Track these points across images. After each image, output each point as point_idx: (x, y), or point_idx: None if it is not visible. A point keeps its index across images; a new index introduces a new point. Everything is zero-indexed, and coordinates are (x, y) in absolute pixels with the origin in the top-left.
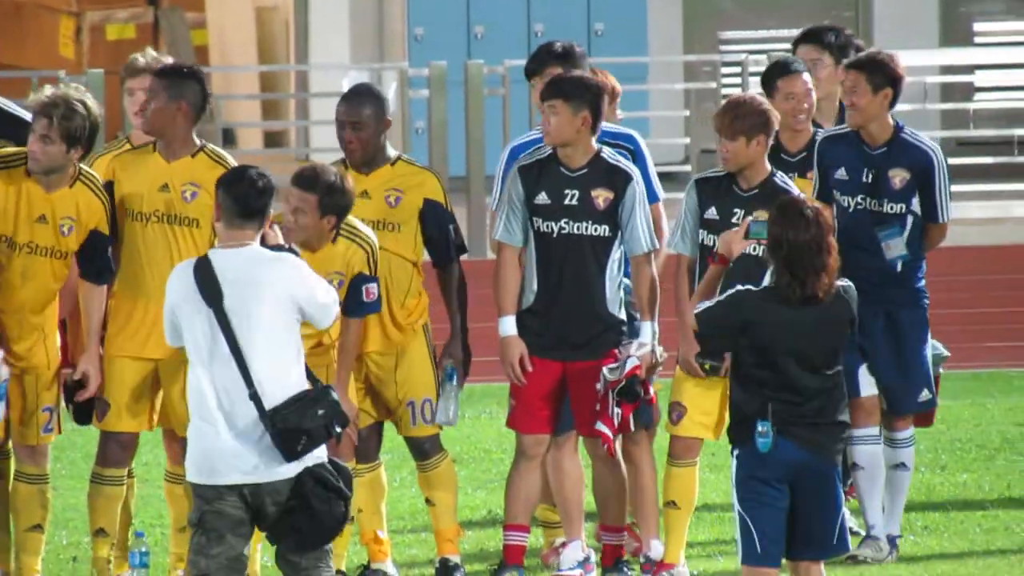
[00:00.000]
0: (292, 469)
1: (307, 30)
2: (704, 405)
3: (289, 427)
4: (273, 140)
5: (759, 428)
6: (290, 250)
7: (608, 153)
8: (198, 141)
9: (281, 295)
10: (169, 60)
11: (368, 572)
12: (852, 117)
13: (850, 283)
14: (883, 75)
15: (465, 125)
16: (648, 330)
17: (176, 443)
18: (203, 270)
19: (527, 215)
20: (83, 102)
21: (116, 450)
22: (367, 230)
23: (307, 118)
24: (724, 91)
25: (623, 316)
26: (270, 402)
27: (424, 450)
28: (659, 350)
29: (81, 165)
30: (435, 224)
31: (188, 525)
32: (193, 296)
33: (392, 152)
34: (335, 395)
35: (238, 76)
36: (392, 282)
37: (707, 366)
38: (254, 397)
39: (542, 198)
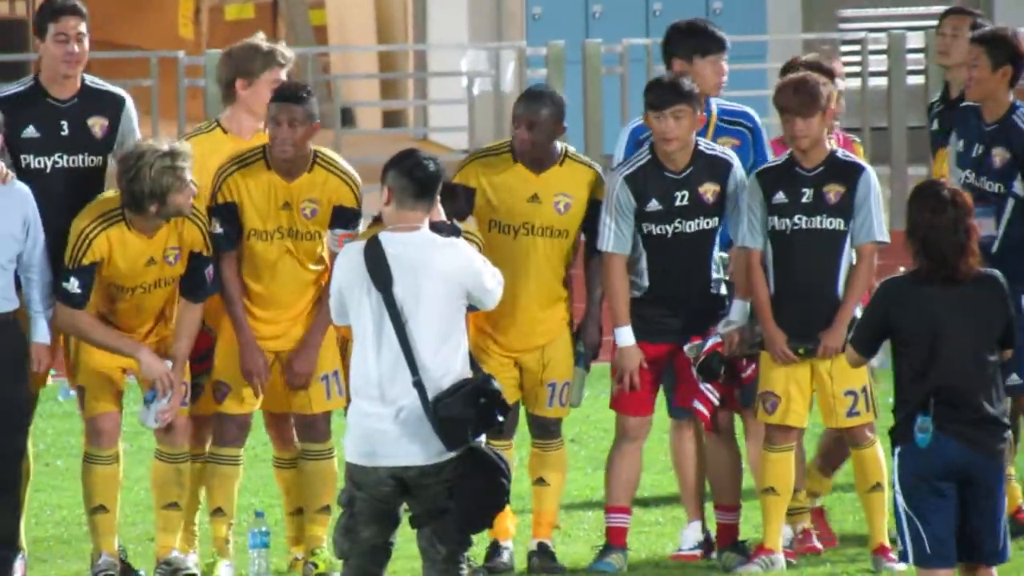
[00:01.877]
0: (453, 451)
1: (425, 9)
2: (795, 393)
3: (451, 416)
4: (391, 120)
5: (919, 422)
6: (453, 227)
7: (705, 144)
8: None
9: (451, 281)
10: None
11: (495, 549)
12: (970, 91)
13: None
14: (1004, 52)
15: (583, 105)
16: (739, 308)
17: (277, 428)
18: (373, 252)
19: (636, 222)
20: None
21: (233, 430)
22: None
23: (425, 97)
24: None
25: (723, 292)
26: (433, 389)
27: (550, 431)
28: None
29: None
30: (594, 218)
31: (339, 505)
32: (362, 278)
33: (559, 146)
34: (496, 384)
35: (357, 56)
36: (547, 281)
37: (801, 350)
38: (418, 384)
39: (653, 205)
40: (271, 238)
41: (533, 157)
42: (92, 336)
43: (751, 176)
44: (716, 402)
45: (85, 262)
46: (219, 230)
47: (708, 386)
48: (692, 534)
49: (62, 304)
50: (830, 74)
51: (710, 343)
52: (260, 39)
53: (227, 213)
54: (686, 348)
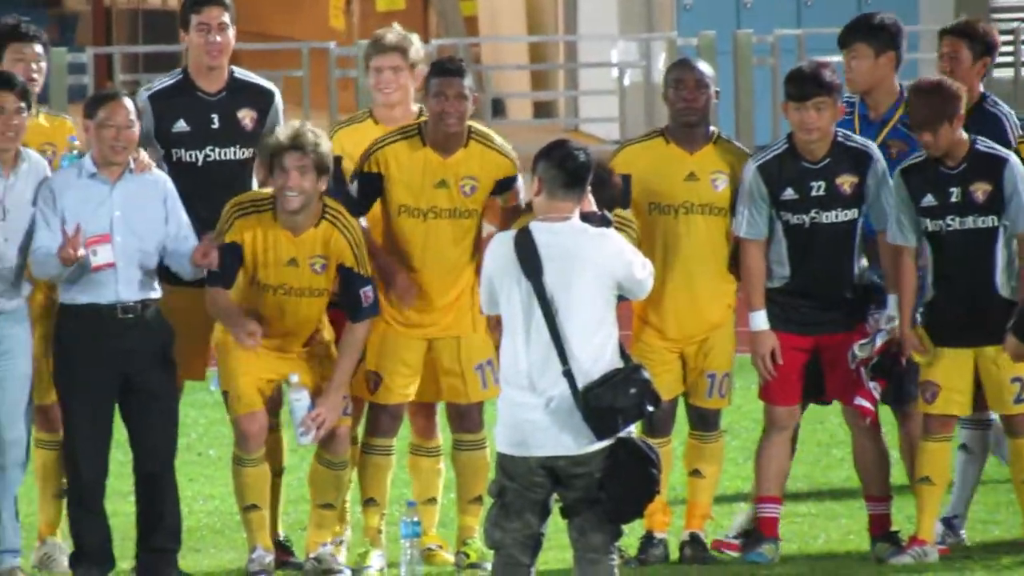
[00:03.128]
0: (604, 441)
1: (576, 0)
2: (957, 382)
3: (601, 406)
4: (542, 110)
5: None
6: (603, 218)
7: (842, 135)
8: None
9: (602, 271)
10: (414, 36)
11: (649, 541)
12: None
13: None
14: None
15: (734, 95)
16: (894, 303)
17: (420, 416)
18: (524, 242)
19: (775, 210)
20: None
21: (387, 421)
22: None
23: (576, 88)
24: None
25: (865, 283)
26: (583, 379)
27: (709, 422)
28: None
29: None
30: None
31: (489, 495)
32: (512, 268)
33: (712, 128)
34: (646, 373)
35: (507, 46)
36: (710, 261)
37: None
38: (568, 374)
39: (788, 194)
40: (424, 216)
41: (691, 123)
42: (224, 311)
43: (895, 175)
44: (879, 398)
45: (227, 239)
46: (353, 195)
47: (874, 383)
48: (741, 520)
49: (208, 285)
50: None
51: (879, 341)
52: (388, 29)
53: (367, 183)
54: (856, 347)
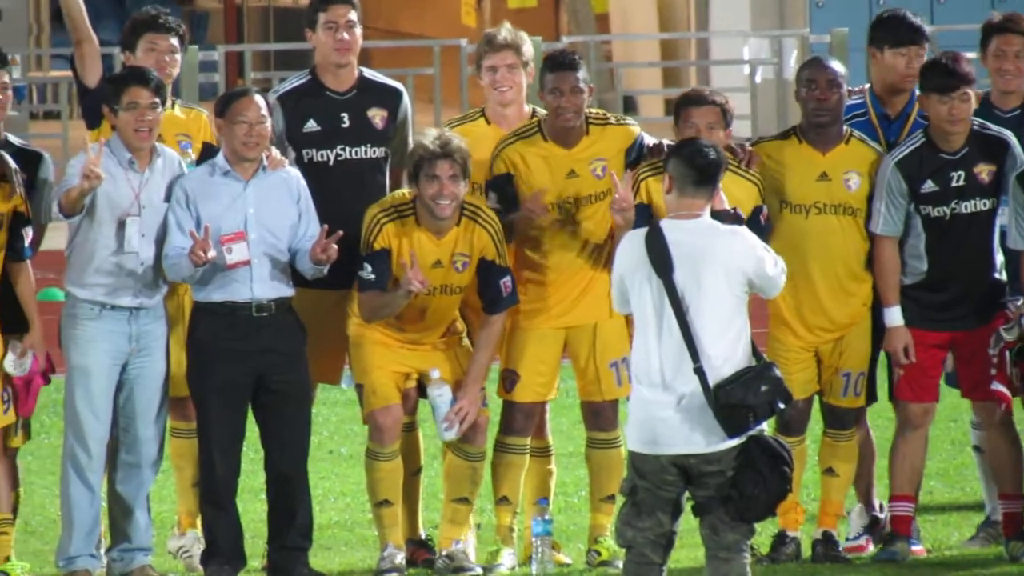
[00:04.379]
0: (735, 439)
1: None
2: None
3: (732, 403)
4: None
5: None
6: (735, 215)
7: (978, 124)
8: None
9: (733, 269)
10: (523, 34)
11: (781, 539)
12: None
13: None
14: None
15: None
16: None
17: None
18: (654, 239)
19: (915, 204)
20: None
21: (520, 419)
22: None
23: (707, 86)
24: None
25: (1004, 278)
26: (715, 376)
27: (844, 421)
28: None
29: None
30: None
31: (621, 494)
32: (643, 266)
33: (845, 127)
34: (777, 371)
35: (639, 44)
36: (844, 260)
37: None
38: (699, 371)
39: (928, 186)
40: (558, 210)
41: (823, 123)
42: (383, 301)
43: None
44: (1018, 385)
45: (376, 247)
46: (495, 205)
47: (1016, 370)
48: (857, 519)
49: (360, 291)
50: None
51: None
52: (500, 27)
53: (505, 185)
54: (1002, 330)
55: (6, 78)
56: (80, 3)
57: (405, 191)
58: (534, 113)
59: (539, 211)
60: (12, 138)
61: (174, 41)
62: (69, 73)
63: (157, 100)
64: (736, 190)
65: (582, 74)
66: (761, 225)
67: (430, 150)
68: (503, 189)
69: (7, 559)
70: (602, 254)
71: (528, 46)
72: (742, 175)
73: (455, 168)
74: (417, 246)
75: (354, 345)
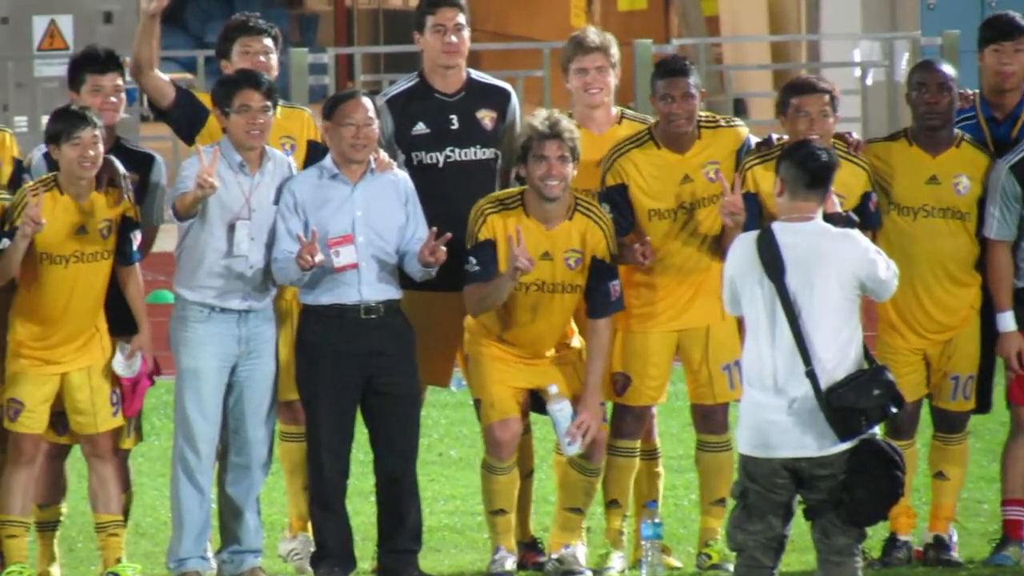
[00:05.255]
0: (847, 442)
1: None
2: None
3: (844, 407)
4: None
5: None
6: (847, 218)
7: None
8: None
9: (845, 271)
10: (611, 36)
11: (892, 543)
12: None
13: None
14: None
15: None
16: None
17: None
18: (766, 243)
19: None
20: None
21: (631, 423)
22: None
23: None
24: None
25: None
26: (827, 380)
27: (953, 424)
28: None
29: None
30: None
31: (732, 497)
32: (754, 269)
33: (956, 131)
34: (890, 375)
35: (749, 46)
36: (951, 267)
37: None
38: (811, 374)
39: None
40: (674, 216)
41: (934, 126)
42: (490, 289)
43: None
44: None
45: (481, 238)
46: (609, 215)
47: None
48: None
49: (467, 283)
50: None
51: None
52: (588, 30)
53: (618, 197)
54: None
55: (119, 81)
56: (152, 41)
57: (514, 188)
58: (622, 115)
59: (649, 260)
60: (125, 141)
61: (268, 42)
62: (181, 75)
63: (268, 103)
64: (846, 176)
65: (693, 79)
66: (871, 212)
67: (539, 131)
68: (617, 200)
69: (118, 560)
70: (713, 256)
71: (616, 48)
72: (852, 160)
73: (564, 149)
74: (526, 235)
75: (472, 361)
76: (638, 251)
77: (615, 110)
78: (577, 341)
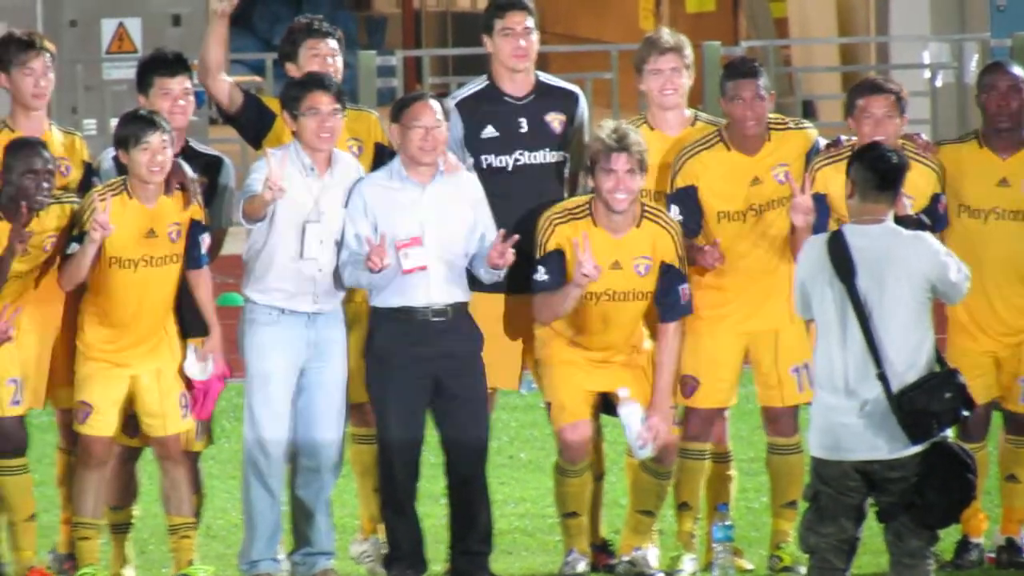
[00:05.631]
0: (918, 445)
1: (887, 1)
2: None
3: (916, 409)
4: None
5: None
6: (919, 220)
7: None
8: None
9: (915, 273)
10: (684, 38)
11: (964, 546)
12: None
13: None
14: None
15: None
16: None
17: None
18: (836, 245)
19: None
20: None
21: (700, 425)
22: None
23: None
24: None
25: None
26: (898, 383)
27: (1022, 426)
28: None
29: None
30: None
31: (804, 499)
32: (825, 271)
33: None
34: (961, 378)
35: (817, 48)
36: (1021, 270)
37: None
38: (882, 377)
39: None
40: (744, 217)
41: (1004, 128)
42: (559, 297)
43: None
44: None
45: (549, 248)
46: (678, 217)
47: None
48: None
49: (536, 291)
50: None
51: None
52: (662, 31)
53: (687, 199)
54: None
55: (187, 84)
56: (220, 44)
57: (582, 196)
58: (696, 118)
59: (719, 263)
60: (194, 143)
61: (333, 44)
62: (249, 77)
63: (338, 106)
64: (915, 177)
65: (763, 81)
66: (940, 213)
67: (607, 144)
68: (686, 202)
69: (190, 563)
70: (782, 259)
71: (690, 49)
72: (921, 161)
73: (632, 162)
74: (594, 245)
75: (542, 364)
76: (709, 254)
77: (688, 112)
78: (647, 344)
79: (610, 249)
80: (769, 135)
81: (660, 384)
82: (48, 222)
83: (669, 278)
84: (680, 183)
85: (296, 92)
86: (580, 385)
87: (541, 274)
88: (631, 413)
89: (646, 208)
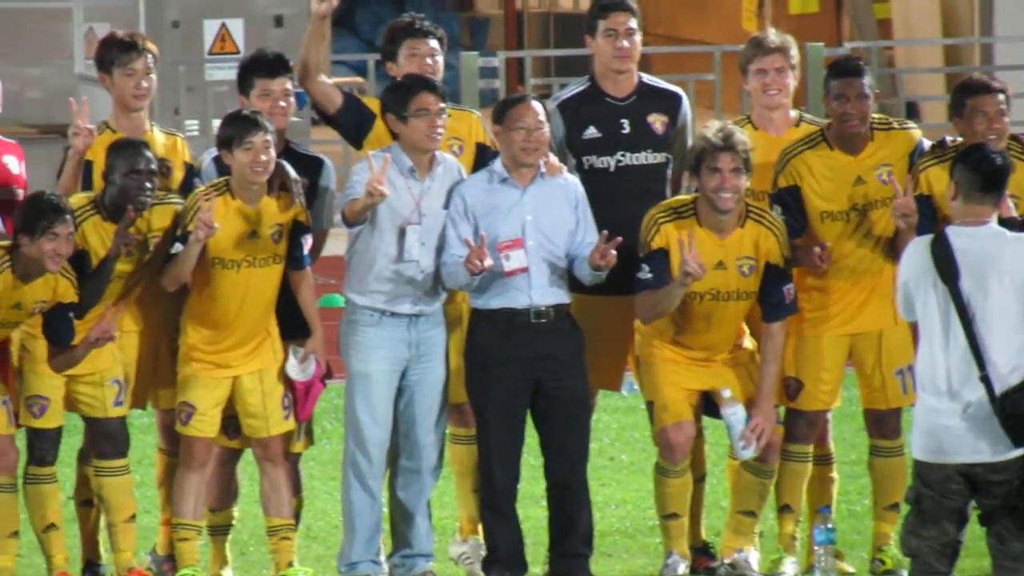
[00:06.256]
0: (1022, 448)
1: (992, 1)
2: None
3: (1019, 412)
4: None
5: None
6: (1023, 223)
7: None
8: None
9: (1019, 275)
10: (790, 38)
11: None
12: None
13: None
14: None
15: None
16: None
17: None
18: (940, 247)
19: None
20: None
21: (803, 427)
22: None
23: None
24: None
25: None
26: (1001, 385)
27: None
28: None
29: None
30: None
31: (906, 502)
32: (928, 273)
33: None
34: None
35: (921, 49)
36: None
37: None
38: (985, 379)
39: None
40: (847, 218)
41: None
42: (663, 295)
43: None
44: None
45: (654, 246)
46: (781, 217)
47: None
48: None
49: (638, 290)
50: None
51: None
52: (768, 31)
53: (790, 198)
54: None
55: (288, 85)
56: (320, 46)
57: (686, 195)
58: (800, 118)
59: (826, 263)
60: (294, 145)
61: (434, 44)
62: (351, 78)
63: (444, 105)
64: (1020, 177)
65: (867, 80)
66: None
67: (712, 143)
68: (789, 202)
69: (290, 564)
70: (886, 260)
71: (795, 49)
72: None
73: (737, 161)
74: (698, 245)
75: (644, 363)
76: (816, 254)
77: (793, 113)
78: (748, 342)
79: (714, 249)
80: (873, 135)
81: (763, 384)
82: (153, 222)
83: (773, 278)
84: (783, 183)
85: (402, 94)
86: (682, 384)
87: (645, 272)
88: (734, 413)
89: (750, 208)
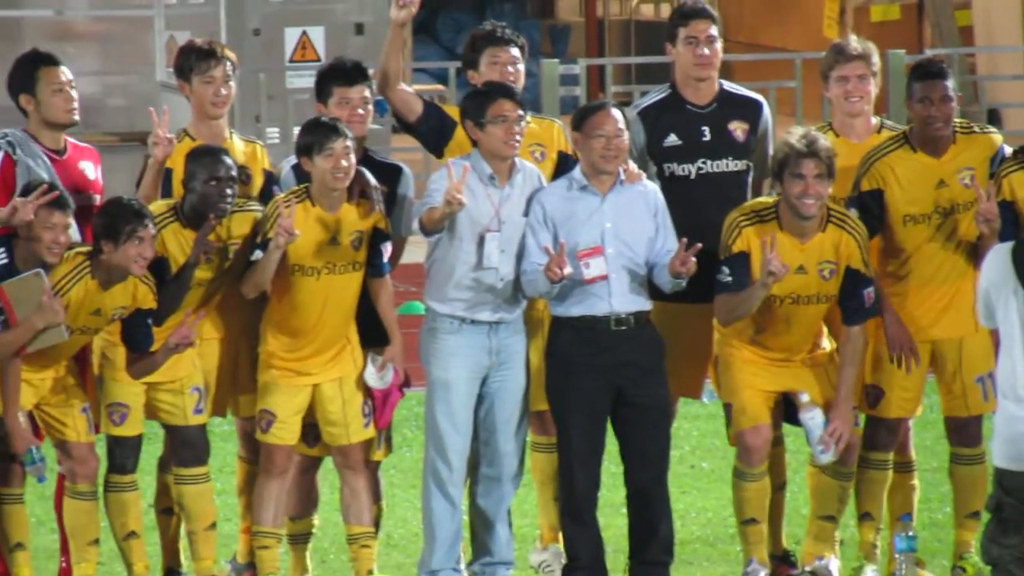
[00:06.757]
0: None
1: None
2: None
3: None
4: None
5: None
6: None
7: None
8: None
9: None
10: (872, 45)
11: None
12: None
13: None
14: None
15: None
16: None
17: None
18: (1021, 254)
19: None
20: None
21: (884, 435)
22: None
23: None
24: None
25: None
26: None
27: None
28: None
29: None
30: None
31: (987, 510)
32: (1009, 280)
33: None
34: None
35: (1003, 56)
36: None
37: None
38: None
39: None
40: (928, 220)
41: None
42: (743, 299)
43: None
44: None
45: (735, 249)
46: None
47: None
48: None
49: (718, 293)
50: None
51: None
52: (850, 38)
53: (871, 202)
54: None
55: (366, 92)
56: (399, 54)
57: (768, 198)
58: (882, 125)
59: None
60: (372, 152)
61: (515, 52)
62: (432, 86)
63: (522, 112)
64: None
65: (951, 83)
66: None
67: (796, 148)
68: (869, 205)
69: (370, 572)
70: (968, 265)
71: (877, 56)
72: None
73: (821, 167)
74: (780, 249)
75: (722, 364)
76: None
77: (875, 120)
78: (826, 343)
79: (795, 254)
80: (955, 138)
81: (841, 387)
82: (232, 229)
83: (854, 281)
84: (866, 186)
85: (479, 101)
86: (761, 386)
87: (725, 275)
88: (812, 418)
89: (831, 212)
